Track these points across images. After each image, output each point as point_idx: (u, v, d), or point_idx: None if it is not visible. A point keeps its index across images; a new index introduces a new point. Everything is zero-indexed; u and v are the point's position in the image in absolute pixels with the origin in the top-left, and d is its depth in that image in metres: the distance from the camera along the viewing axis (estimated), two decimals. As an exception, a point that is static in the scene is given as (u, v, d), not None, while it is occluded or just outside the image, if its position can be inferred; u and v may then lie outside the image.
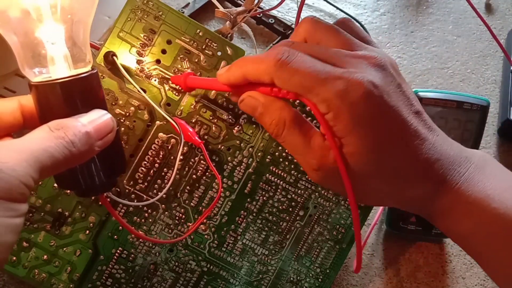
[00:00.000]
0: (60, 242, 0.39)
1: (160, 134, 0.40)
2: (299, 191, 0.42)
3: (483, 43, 0.62)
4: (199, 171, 0.41)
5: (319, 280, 0.43)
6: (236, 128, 0.41)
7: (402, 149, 0.30)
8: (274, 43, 0.56)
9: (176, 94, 0.40)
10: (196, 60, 0.40)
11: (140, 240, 0.40)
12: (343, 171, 0.29)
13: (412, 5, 0.64)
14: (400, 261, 0.49)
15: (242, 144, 0.41)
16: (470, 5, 0.54)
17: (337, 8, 0.62)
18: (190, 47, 0.40)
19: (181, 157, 0.40)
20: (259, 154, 0.41)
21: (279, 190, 0.42)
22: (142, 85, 0.39)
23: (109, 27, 0.47)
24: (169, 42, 0.40)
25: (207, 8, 0.58)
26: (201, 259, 0.42)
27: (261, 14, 0.57)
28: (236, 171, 0.41)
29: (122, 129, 0.39)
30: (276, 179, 0.42)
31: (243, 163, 0.41)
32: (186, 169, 0.40)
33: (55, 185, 0.39)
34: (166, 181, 0.40)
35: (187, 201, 0.41)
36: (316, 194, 0.42)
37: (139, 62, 0.39)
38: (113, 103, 0.39)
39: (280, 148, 0.41)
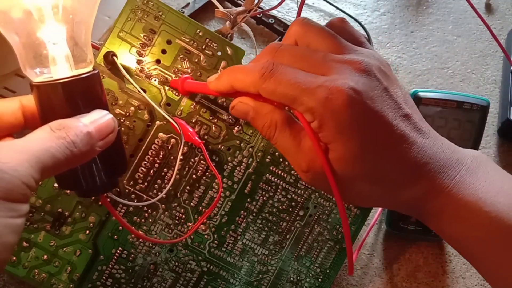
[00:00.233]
0: (60, 242, 0.39)
1: (160, 134, 0.40)
2: (299, 191, 0.42)
3: (483, 43, 0.62)
4: (199, 171, 0.41)
5: (319, 280, 0.43)
6: (236, 128, 0.41)
7: (389, 154, 0.30)
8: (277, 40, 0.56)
9: (176, 94, 0.40)
10: (196, 60, 0.40)
11: (140, 240, 0.40)
12: (330, 176, 0.30)
13: (412, 5, 0.64)
14: (400, 261, 0.49)
15: (242, 144, 0.41)
16: (470, 5, 0.54)
17: (337, 8, 0.62)
18: (190, 47, 0.40)
19: (181, 157, 0.40)
20: (259, 154, 0.41)
21: (279, 190, 0.42)
22: (142, 85, 0.39)
23: (109, 27, 0.47)
24: (169, 42, 0.40)
25: (207, 8, 0.58)
26: (201, 259, 0.42)
27: (261, 14, 0.57)
28: (236, 171, 0.41)
29: (122, 129, 0.39)
30: (276, 179, 0.42)
31: (243, 163, 0.41)
32: (186, 169, 0.40)
33: (55, 185, 0.39)
34: (166, 181, 0.40)
35: (187, 201, 0.41)
36: (316, 194, 0.42)
37: (139, 62, 0.39)
38: (113, 103, 0.39)
39: (280, 148, 0.41)
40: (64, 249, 0.39)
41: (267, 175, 0.42)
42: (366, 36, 0.60)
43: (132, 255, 0.41)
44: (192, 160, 0.40)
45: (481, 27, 0.62)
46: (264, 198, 0.42)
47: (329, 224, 0.43)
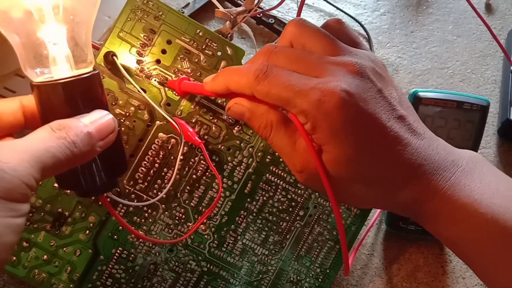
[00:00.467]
0: (60, 242, 0.39)
1: (160, 134, 0.40)
2: (299, 191, 0.42)
3: (483, 43, 0.62)
4: (199, 171, 0.41)
5: (319, 280, 0.43)
6: (236, 128, 0.41)
7: (383, 155, 0.30)
8: (274, 42, 0.56)
9: (176, 94, 0.40)
10: (196, 60, 0.40)
11: (140, 240, 0.40)
12: (323, 178, 0.30)
13: (412, 5, 0.64)
14: (400, 261, 0.49)
15: (242, 144, 0.41)
16: (470, 5, 0.54)
17: (337, 8, 0.62)
18: (190, 47, 0.40)
19: (181, 157, 0.40)
20: (259, 154, 0.41)
21: (279, 190, 0.42)
22: (142, 85, 0.39)
23: (109, 27, 0.47)
24: (169, 42, 0.40)
25: (207, 8, 0.58)
26: (201, 259, 0.42)
27: (261, 14, 0.57)
28: (236, 171, 0.41)
29: (123, 129, 0.39)
30: (276, 179, 0.42)
31: (243, 163, 0.41)
32: (186, 169, 0.40)
33: (55, 185, 0.39)
34: (166, 181, 0.40)
35: (187, 201, 0.41)
36: (316, 194, 0.42)
37: (139, 62, 0.39)
38: (113, 103, 0.39)
39: (280, 148, 0.41)
40: (64, 249, 0.39)
41: (267, 175, 0.42)
42: (366, 36, 0.60)
43: (132, 255, 0.41)
44: (192, 160, 0.40)
45: (481, 27, 0.62)
46: (264, 198, 0.42)
47: (329, 224, 0.43)
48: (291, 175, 0.42)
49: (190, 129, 0.39)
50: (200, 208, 0.41)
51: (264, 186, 0.42)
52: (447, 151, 0.32)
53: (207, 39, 0.40)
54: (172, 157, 0.40)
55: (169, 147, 0.40)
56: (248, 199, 0.42)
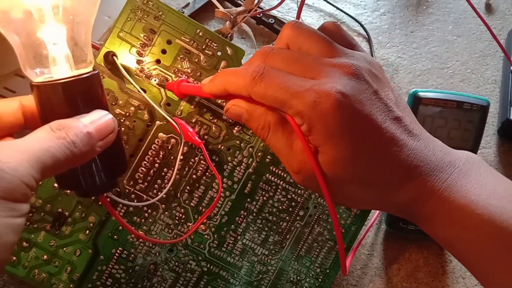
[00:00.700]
0: (60, 242, 0.39)
1: (160, 134, 0.40)
2: (299, 191, 0.42)
3: (483, 43, 0.62)
4: (199, 171, 0.41)
5: (319, 280, 0.43)
6: (236, 128, 0.41)
7: (379, 157, 0.30)
8: (272, 43, 0.56)
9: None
10: (196, 60, 0.40)
11: (140, 240, 0.40)
12: (320, 179, 0.30)
13: (412, 5, 0.64)
14: (400, 261, 0.49)
15: (242, 144, 0.41)
16: (470, 5, 0.54)
17: (337, 8, 0.62)
18: (190, 47, 0.40)
19: (181, 157, 0.40)
20: (259, 154, 0.41)
21: (279, 190, 0.42)
22: (142, 85, 0.39)
23: (109, 27, 0.47)
24: (169, 42, 0.40)
25: (207, 8, 0.58)
26: (201, 259, 0.42)
27: (261, 14, 0.57)
28: (236, 171, 0.41)
29: (122, 129, 0.39)
30: (276, 179, 0.42)
31: (243, 163, 0.41)
32: (186, 169, 0.40)
33: (55, 185, 0.39)
34: (166, 181, 0.40)
35: (187, 201, 0.41)
36: (316, 194, 0.42)
37: (139, 62, 0.39)
38: (113, 103, 0.39)
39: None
40: (64, 249, 0.39)
41: (267, 175, 0.42)
42: (366, 36, 0.60)
43: (132, 255, 0.41)
44: (192, 160, 0.40)
45: (481, 27, 0.62)
46: (264, 198, 0.42)
47: (329, 224, 0.43)
48: (291, 175, 0.42)
49: (190, 129, 0.39)
50: (200, 208, 0.41)
51: (264, 186, 0.42)
52: (444, 152, 0.32)
53: (207, 39, 0.40)
54: (172, 157, 0.40)
55: (169, 147, 0.40)
56: (248, 199, 0.42)
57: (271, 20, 0.57)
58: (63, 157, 0.27)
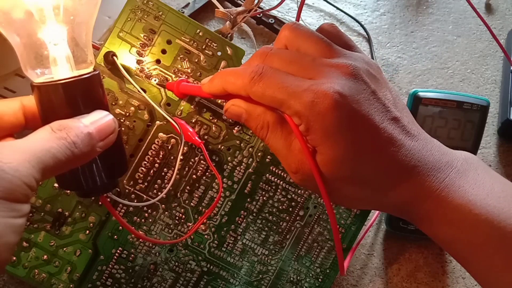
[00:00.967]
0: (60, 242, 0.39)
1: (160, 134, 0.40)
2: (299, 191, 0.42)
3: (483, 43, 0.62)
4: (199, 171, 0.41)
5: (319, 280, 0.43)
6: (236, 128, 0.41)
7: (376, 157, 0.30)
8: (272, 44, 0.57)
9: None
10: (196, 60, 0.40)
11: (140, 240, 0.40)
12: (318, 179, 0.30)
13: (412, 5, 0.64)
14: (400, 261, 0.49)
15: (242, 144, 0.41)
16: (470, 5, 0.54)
17: (337, 8, 0.62)
18: (190, 47, 0.40)
19: (181, 157, 0.40)
20: (259, 154, 0.41)
21: (279, 190, 0.42)
22: (142, 85, 0.39)
23: (109, 27, 0.47)
24: (169, 42, 0.40)
25: (207, 8, 0.58)
26: (201, 259, 0.42)
27: (261, 14, 0.57)
28: (236, 171, 0.41)
29: (123, 129, 0.39)
30: (276, 179, 0.42)
31: (243, 163, 0.41)
32: (186, 169, 0.40)
33: (55, 185, 0.39)
34: (166, 181, 0.40)
35: (187, 201, 0.41)
36: (316, 194, 0.42)
37: (139, 62, 0.39)
38: (113, 103, 0.39)
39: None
40: (64, 249, 0.39)
41: (267, 175, 0.42)
42: (366, 36, 0.60)
43: (132, 255, 0.41)
44: (192, 160, 0.40)
45: (481, 27, 0.62)
46: (264, 198, 0.42)
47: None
48: (291, 175, 0.42)
49: (190, 129, 0.39)
50: (200, 208, 0.41)
51: (264, 186, 0.42)
52: (442, 152, 0.32)
53: (207, 39, 0.40)
54: (172, 157, 0.40)
55: (169, 147, 0.40)
56: (248, 199, 0.42)
57: (271, 20, 0.57)
58: (64, 157, 0.27)
